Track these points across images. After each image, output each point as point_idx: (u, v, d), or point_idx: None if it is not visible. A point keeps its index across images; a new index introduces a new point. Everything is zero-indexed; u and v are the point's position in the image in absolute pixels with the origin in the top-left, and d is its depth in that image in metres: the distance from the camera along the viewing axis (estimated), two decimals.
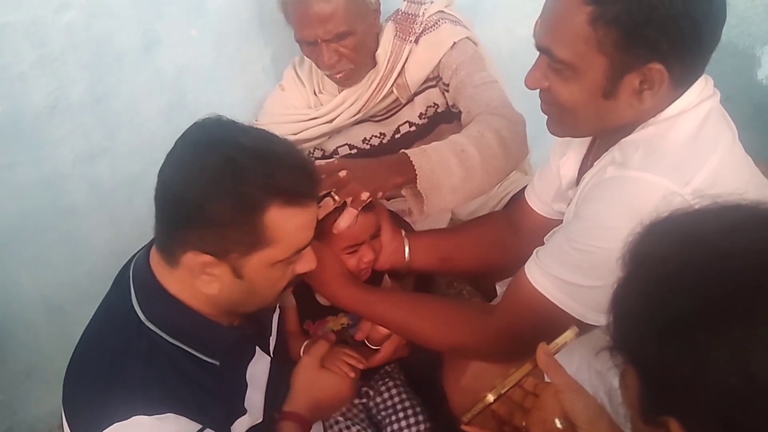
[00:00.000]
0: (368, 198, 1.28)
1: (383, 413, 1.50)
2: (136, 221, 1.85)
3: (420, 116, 1.73)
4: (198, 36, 1.75)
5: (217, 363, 1.14)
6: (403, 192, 1.38)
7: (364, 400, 1.52)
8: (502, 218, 1.55)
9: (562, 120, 1.13)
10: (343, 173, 1.27)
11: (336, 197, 1.27)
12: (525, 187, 1.55)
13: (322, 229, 1.30)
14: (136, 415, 1.00)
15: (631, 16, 0.96)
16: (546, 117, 1.18)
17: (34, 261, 1.79)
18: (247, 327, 1.23)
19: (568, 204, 1.29)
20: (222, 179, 0.99)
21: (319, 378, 1.33)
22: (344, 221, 1.27)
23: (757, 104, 2.27)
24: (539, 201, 1.43)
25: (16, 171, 1.67)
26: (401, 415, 1.47)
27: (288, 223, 1.04)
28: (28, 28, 1.55)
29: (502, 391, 1.00)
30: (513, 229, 1.49)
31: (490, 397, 1.01)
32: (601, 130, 1.14)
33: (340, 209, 1.28)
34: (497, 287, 1.62)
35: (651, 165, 1.01)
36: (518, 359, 1.02)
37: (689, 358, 0.63)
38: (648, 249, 0.73)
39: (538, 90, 1.13)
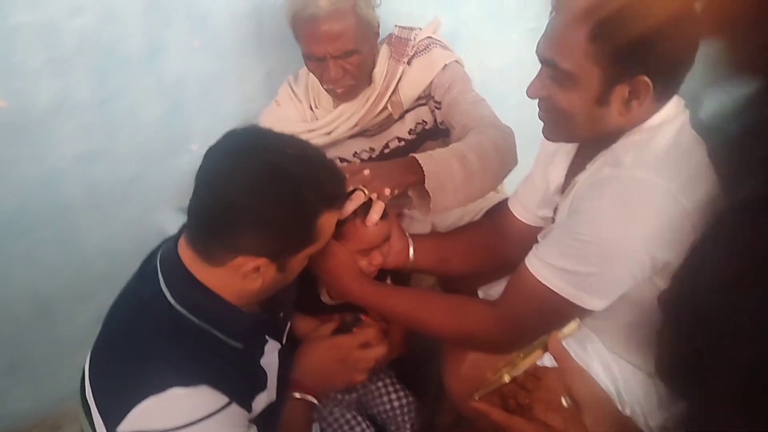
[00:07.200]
0: (390, 194, 1.39)
1: (374, 401, 1.59)
2: (129, 223, 1.90)
3: (409, 132, 1.86)
4: (200, 48, 1.83)
5: (240, 346, 1.20)
6: (409, 192, 1.50)
7: (354, 394, 1.60)
8: (488, 225, 1.70)
9: (559, 126, 1.27)
10: (366, 172, 1.40)
11: (365, 191, 1.37)
12: (499, 203, 1.76)
13: (340, 231, 1.38)
14: (172, 387, 1.04)
15: (624, 35, 1.12)
16: (541, 126, 1.31)
17: (25, 257, 1.81)
18: (264, 314, 1.31)
19: (555, 209, 1.43)
20: (279, 186, 1.08)
21: (334, 370, 1.40)
22: (376, 213, 1.37)
23: None
24: (522, 209, 1.58)
25: (17, 166, 1.70)
26: (395, 404, 1.56)
27: (331, 223, 1.19)
28: (42, 29, 1.60)
29: (517, 374, 1.11)
30: (499, 234, 1.62)
31: (506, 378, 1.11)
32: (593, 136, 1.28)
33: (366, 206, 1.37)
34: (479, 292, 1.74)
35: (643, 164, 1.16)
36: (521, 348, 1.15)
37: None
38: None
39: (537, 100, 1.28)
